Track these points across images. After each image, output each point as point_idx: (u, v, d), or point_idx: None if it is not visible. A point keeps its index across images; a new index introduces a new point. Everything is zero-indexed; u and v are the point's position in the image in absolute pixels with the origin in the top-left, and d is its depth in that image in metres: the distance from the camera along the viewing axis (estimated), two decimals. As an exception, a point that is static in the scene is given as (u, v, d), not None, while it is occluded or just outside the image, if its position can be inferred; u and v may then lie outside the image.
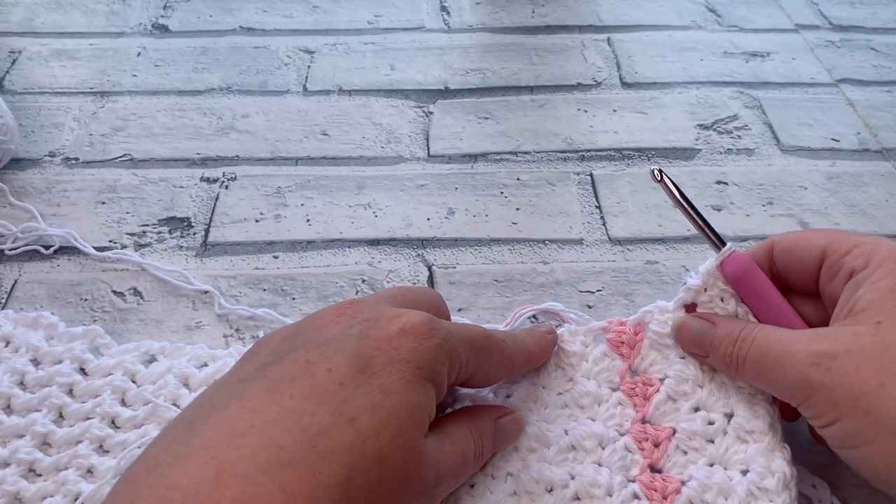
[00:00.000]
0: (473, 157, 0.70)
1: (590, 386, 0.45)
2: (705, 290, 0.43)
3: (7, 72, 0.80)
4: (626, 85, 0.78)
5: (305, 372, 0.33)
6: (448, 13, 0.89)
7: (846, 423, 0.34)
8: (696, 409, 0.43)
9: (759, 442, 0.40)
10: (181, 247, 0.61)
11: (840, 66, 0.81)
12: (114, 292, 0.58)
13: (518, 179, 0.67)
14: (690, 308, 0.45)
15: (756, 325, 0.40)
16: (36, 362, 0.52)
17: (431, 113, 0.75)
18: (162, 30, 0.86)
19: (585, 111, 0.75)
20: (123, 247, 0.61)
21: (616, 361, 0.46)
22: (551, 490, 0.41)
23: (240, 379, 0.34)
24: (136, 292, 0.58)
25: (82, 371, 0.51)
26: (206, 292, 0.57)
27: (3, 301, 0.57)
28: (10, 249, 0.60)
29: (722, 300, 0.43)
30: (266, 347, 0.37)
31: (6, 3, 0.89)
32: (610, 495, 0.40)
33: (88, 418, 0.49)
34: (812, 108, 0.75)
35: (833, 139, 0.72)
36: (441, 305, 0.42)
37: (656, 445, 0.42)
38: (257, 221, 0.64)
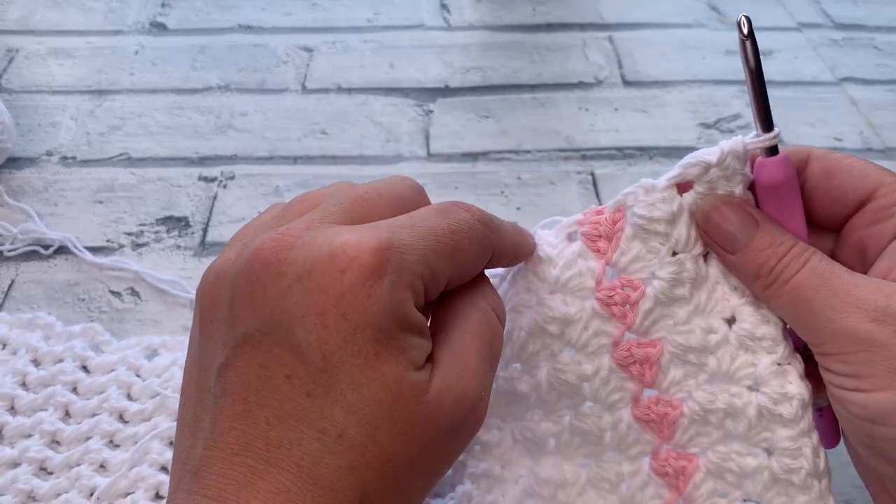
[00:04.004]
0: (474, 156, 0.69)
1: (555, 303, 0.35)
2: (711, 176, 0.33)
3: (4, 70, 0.79)
4: (627, 83, 0.78)
5: (266, 384, 0.28)
6: (448, 11, 0.89)
7: None
8: (693, 316, 0.34)
9: (772, 353, 0.33)
10: (179, 246, 0.61)
11: (843, 65, 0.80)
12: (111, 292, 0.57)
13: (519, 178, 0.67)
14: (684, 188, 0.34)
15: (810, 247, 0.33)
16: (36, 363, 0.51)
17: (431, 111, 0.74)
18: (160, 28, 0.85)
19: (587, 110, 0.75)
20: (121, 246, 0.61)
21: (591, 262, 0.35)
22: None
23: (206, 388, 0.30)
24: (134, 292, 0.57)
25: (84, 369, 0.51)
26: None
27: (1, 301, 0.57)
28: (10, 251, 0.60)
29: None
30: (213, 304, 0.32)
31: (3, 1, 0.88)
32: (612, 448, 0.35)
33: (95, 414, 0.48)
34: (815, 107, 0.75)
35: (836, 138, 0.72)
36: (411, 199, 0.34)
37: (646, 365, 0.34)
38: (256, 221, 0.63)
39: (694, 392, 0.34)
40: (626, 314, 0.34)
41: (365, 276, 0.28)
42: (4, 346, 0.52)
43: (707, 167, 0.33)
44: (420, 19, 0.87)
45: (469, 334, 0.31)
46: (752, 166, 0.34)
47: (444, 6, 0.89)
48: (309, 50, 0.82)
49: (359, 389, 0.28)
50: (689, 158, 0.34)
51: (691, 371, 0.34)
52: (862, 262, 0.34)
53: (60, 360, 0.51)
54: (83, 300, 0.57)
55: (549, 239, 0.36)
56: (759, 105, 0.33)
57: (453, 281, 0.32)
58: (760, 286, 0.33)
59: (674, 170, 0.34)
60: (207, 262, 0.59)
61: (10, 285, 0.58)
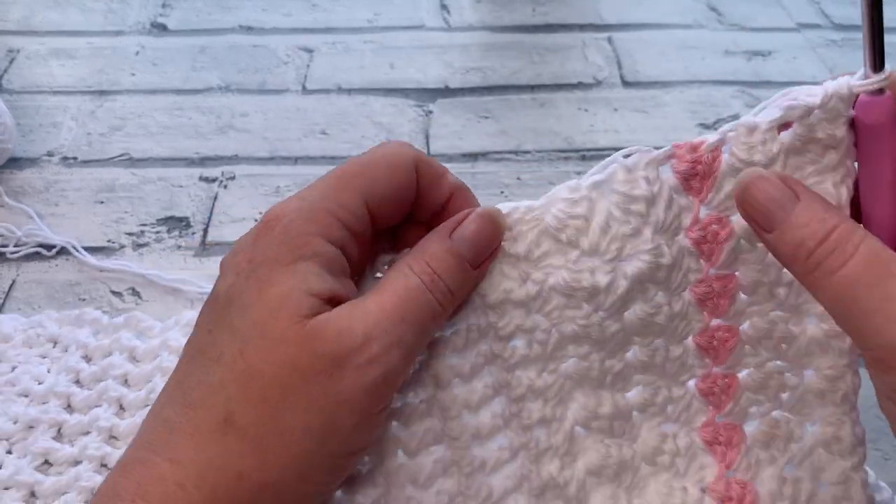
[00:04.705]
0: (474, 157, 0.69)
1: (662, 249, 0.33)
2: (813, 119, 0.31)
3: (5, 71, 0.79)
4: (627, 84, 0.78)
5: (195, 338, 0.31)
6: (448, 11, 0.89)
7: None
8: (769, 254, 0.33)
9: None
10: (179, 247, 0.61)
11: (842, 66, 0.81)
12: (112, 292, 0.58)
13: (519, 179, 0.67)
14: (784, 128, 0.32)
15: (860, 228, 0.28)
16: (87, 358, 0.52)
17: (431, 112, 0.75)
18: (160, 28, 0.86)
19: (586, 110, 0.75)
20: (122, 246, 0.61)
21: (683, 199, 0.33)
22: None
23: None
24: (135, 292, 0.58)
25: (133, 359, 0.52)
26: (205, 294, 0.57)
27: (2, 301, 0.57)
28: (12, 252, 0.60)
29: (824, 149, 0.31)
30: None
31: (4, 2, 0.89)
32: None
33: (146, 405, 0.49)
34: (814, 108, 0.75)
35: (835, 138, 0.72)
36: (395, 175, 0.33)
37: (722, 298, 0.34)
38: (256, 221, 0.63)
39: (755, 318, 0.35)
40: (713, 251, 0.33)
41: (267, 223, 0.30)
42: (55, 343, 0.53)
43: (809, 110, 0.31)
44: (420, 20, 0.87)
45: (384, 288, 0.31)
46: (854, 104, 0.31)
47: (444, 7, 0.90)
48: (309, 50, 0.83)
49: (244, 313, 0.29)
50: (790, 100, 0.31)
51: (758, 300, 0.35)
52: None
53: (109, 354, 0.52)
54: (84, 300, 0.57)
55: (639, 173, 0.33)
56: (873, 41, 0.29)
57: (378, 207, 0.32)
58: (800, 271, 0.29)
59: (773, 111, 0.31)
60: (208, 261, 0.60)
61: (11, 285, 0.58)
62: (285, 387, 0.28)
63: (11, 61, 0.81)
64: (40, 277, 0.59)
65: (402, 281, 0.31)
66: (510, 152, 0.70)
